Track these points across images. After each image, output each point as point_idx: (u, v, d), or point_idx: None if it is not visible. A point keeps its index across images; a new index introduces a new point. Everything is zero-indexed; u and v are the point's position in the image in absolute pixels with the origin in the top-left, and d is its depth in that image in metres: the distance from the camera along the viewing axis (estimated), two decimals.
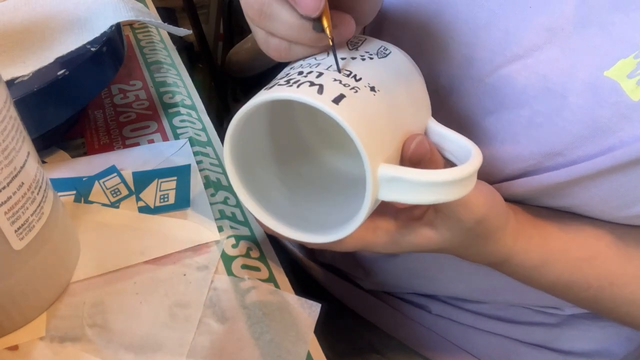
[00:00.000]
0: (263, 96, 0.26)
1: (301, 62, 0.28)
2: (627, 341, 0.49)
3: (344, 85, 0.25)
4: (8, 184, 0.26)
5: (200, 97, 0.50)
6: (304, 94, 0.24)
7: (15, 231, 0.27)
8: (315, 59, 0.28)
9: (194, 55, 1.35)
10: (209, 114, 0.48)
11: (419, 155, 0.27)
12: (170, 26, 0.45)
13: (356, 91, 0.25)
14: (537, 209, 0.36)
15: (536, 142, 0.33)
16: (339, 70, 0.27)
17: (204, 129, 0.46)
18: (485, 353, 0.50)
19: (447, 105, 0.36)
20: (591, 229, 0.35)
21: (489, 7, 0.33)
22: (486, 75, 0.34)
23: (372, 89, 0.26)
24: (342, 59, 0.28)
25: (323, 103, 0.24)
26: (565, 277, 0.35)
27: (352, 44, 0.30)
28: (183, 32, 0.46)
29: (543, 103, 0.32)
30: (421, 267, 0.47)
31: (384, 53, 0.29)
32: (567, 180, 0.32)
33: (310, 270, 0.57)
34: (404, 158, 0.27)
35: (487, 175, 0.35)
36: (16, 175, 0.26)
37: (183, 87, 0.50)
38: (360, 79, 0.26)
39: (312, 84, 0.25)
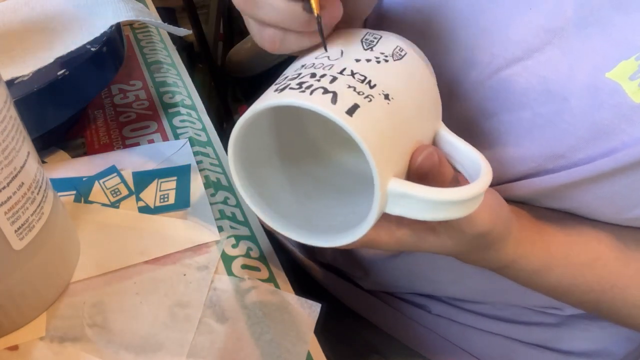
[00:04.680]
0: (274, 100, 0.25)
1: (313, 60, 0.28)
2: (627, 341, 0.48)
3: (358, 93, 0.25)
4: (8, 184, 0.26)
5: (200, 97, 0.50)
6: (318, 103, 0.24)
7: (15, 231, 0.27)
8: (329, 58, 0.27)
9: (194, 55, 1.35)
10: (209, 114, 0.48)
11: (426, 168, 0.27)
12: (170, 26, 0.45)
13: (370, 100, 0.25)
14: (539, 210, 0.36)
15: (538, 145, 0.33)
16: (325, 49, 0.26)
17: (204, 129, 0.46)
18: (485, 353, 0.49)
19: (447, 108, 0.36)
20: (593, 231, 0.35)
21: (488, 9, 0.33)
22: (487, 78, 0.34)
23: (387, 97, 0.26)
24: (357, 60, 0.27)
25: (336, 114, 0.23)
26: (567, 281, 0.35)
27: (368, 43, 0.29)
28: (183, 32, 0.46)
29: (544, 105, 0.32)
30: (421, 269, 0.47)
31: (400, 55, 0.29)
32: (569, 183, 0.32)
33: (310, 270, 0.57)
34: (411, 169, 0.27)
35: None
36: (16, 175, 0.26)
37: (183, 87, 0.50)
38: (375, 85, 0.26)
39: (325, 90, 0.24)
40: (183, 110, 0.47)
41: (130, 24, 0.59)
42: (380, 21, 0.39)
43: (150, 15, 0.45)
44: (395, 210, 0.25)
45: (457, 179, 0.29)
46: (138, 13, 0.43)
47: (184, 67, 0.54)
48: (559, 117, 0.31)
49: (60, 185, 0.38)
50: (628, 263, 0.36)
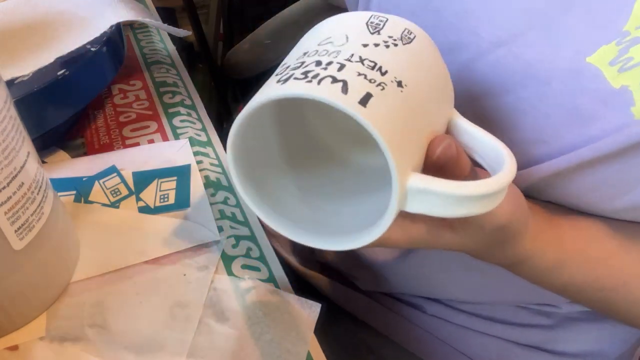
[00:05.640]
0: (278, 91, 0.23)
1: (316, 47, 0.25)
2: (621, 342, 0.48)
3: (370, 81, 0.23)
4: (8, 184, 0.26)
5: (200, 97, 0.50)
6: (327, 94, 0.22)
7: (15, 231, 0.27)
8: (333, 44, 0.25)
9: (194, 55, 1.35)
10: (209, 114, 0.48)
11: (444, 160, 0.25)
12: (170, 27, 0.45)
13: (383, 88, 0.23)
14: (547, 204, 0.35)
15: (521, 130, 0.32)
16: None
17: (204, 129, 0.46)
18: (480, 355, 0.49)
19: None
20: (603, 227, 0.35)
21: None
22: (473, 61, 0.34)
23: (399, 84, 0.24)
24: (365, 45, 0.25)
25: (349, 106, 0.21)
26: (580, 278, 0.35)
27: (374, 27, 0.26)
28: (183, 32, 0.46)
29: (527, 89, 0.31)
30: (421, 271, 0.47)
31: (409, 38, 0.26)
32: (551, 174, 0.32)
33: (305, 276, 0.57)
34: (428, 162, 0.26)
35: None
36: (16, 175, 0.26)
37: (183, 87, 0.50)
38: (386, 72, 0.24)
39: (334, 79, 0.22)
40: (183, 110, 0.47)
41: (130, 24, 0.59)
42: (368, 6, 0.39)
43: (150, 16, 0.45)
44: (414, 207, 0.24)
45: (475, 171, 0.28)
46: (138, 13, 0.43)
47: (184, 67, 0.54)
48: (541, 102, 0.31)
49: (60, 185, 0.38)
50: (638, 260, 0.35)
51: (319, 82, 0.22)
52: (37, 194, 0.28)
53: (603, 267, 0.35)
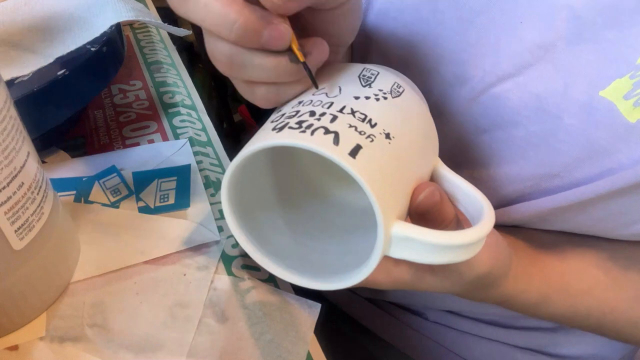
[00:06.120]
0: (273, 140, 0.24)
1: (311, 97, 0.27)
2: (622, 346, 0.48)
3: (360, 133, 0.24)
4: (8, 184, 0.26)
5: (200, 97, 0.50)
6: (319, 145, 0.23)
7: (15, 231, 0.27)
8: (327, 95, 0.26)
9: (194, 55, 1.35)
10: (209, 114, 0.48)
11: (426, 207, 0.26)
12: (170, 26, 0.45)
13: (372, 140, 0.24)
14: (534, 234, 0.35)
15: (533, 163, 0.32)
16: (316, 87, 0.26)
17: (204, 129, 0.46)
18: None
19: (439, 125, 0.36)
20: (589, 255, 0.35)
21: (479, 24, 0.32)
22: (478, 94, 0.33)
23: (387, 135, 0.25)
24: (356, 98, 0.26)
25: (339, 157, 0.23)
26: (567, 310, 0.35)
27: (365, 80, 0.28)
28: (183, 32, 0.46)
29: (537, 123, 0.31)
30: None
31: (398, 92, 0.28)
32: (565, 205, 0.31)
33: None
34: (411, 208, 0.26)
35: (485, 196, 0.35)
36: (16, 175, 0.26)
37: (183, 87, 0.50)
38: (376, 124, 0.25)
39: (327, 130, 0.24)
40: (183, 110, 0.47)
41: (130, 24, 0.59)
42: (368, 41, 0.39)
43: (150, 15, 0.45)
44: (397, 253, 0.25)
45: (458, 219, 0.28)
46: (138, 13, 0.43)
47: (184, 67, 0.54)
48: (553, 136, 0.31)
49: (60, 185, 0.38)
50: (626, 285, 0.35)
51: (312, 133, 0.24)
52: (37, 194, 0.28)
53: (589, 297, 0.35)
